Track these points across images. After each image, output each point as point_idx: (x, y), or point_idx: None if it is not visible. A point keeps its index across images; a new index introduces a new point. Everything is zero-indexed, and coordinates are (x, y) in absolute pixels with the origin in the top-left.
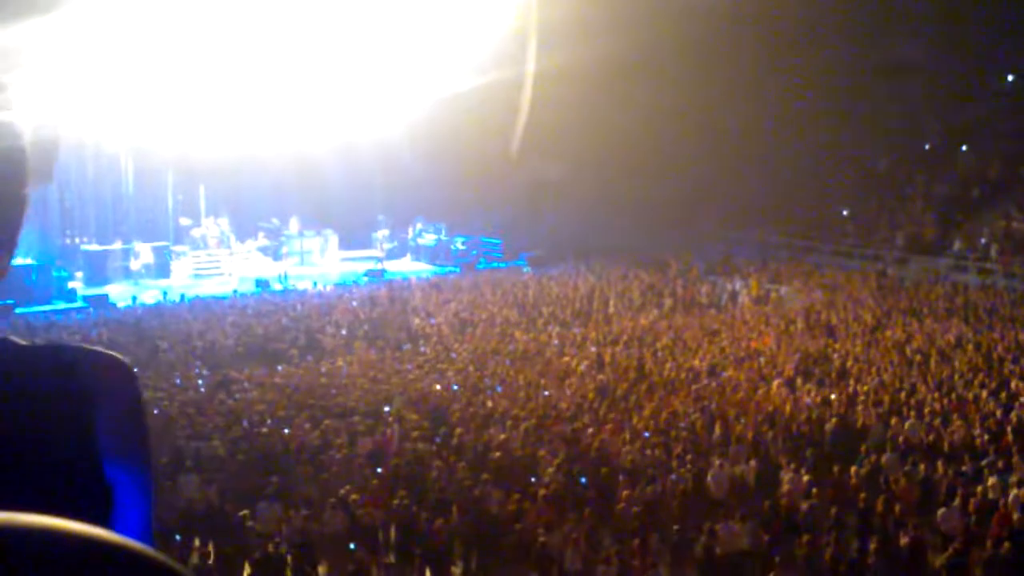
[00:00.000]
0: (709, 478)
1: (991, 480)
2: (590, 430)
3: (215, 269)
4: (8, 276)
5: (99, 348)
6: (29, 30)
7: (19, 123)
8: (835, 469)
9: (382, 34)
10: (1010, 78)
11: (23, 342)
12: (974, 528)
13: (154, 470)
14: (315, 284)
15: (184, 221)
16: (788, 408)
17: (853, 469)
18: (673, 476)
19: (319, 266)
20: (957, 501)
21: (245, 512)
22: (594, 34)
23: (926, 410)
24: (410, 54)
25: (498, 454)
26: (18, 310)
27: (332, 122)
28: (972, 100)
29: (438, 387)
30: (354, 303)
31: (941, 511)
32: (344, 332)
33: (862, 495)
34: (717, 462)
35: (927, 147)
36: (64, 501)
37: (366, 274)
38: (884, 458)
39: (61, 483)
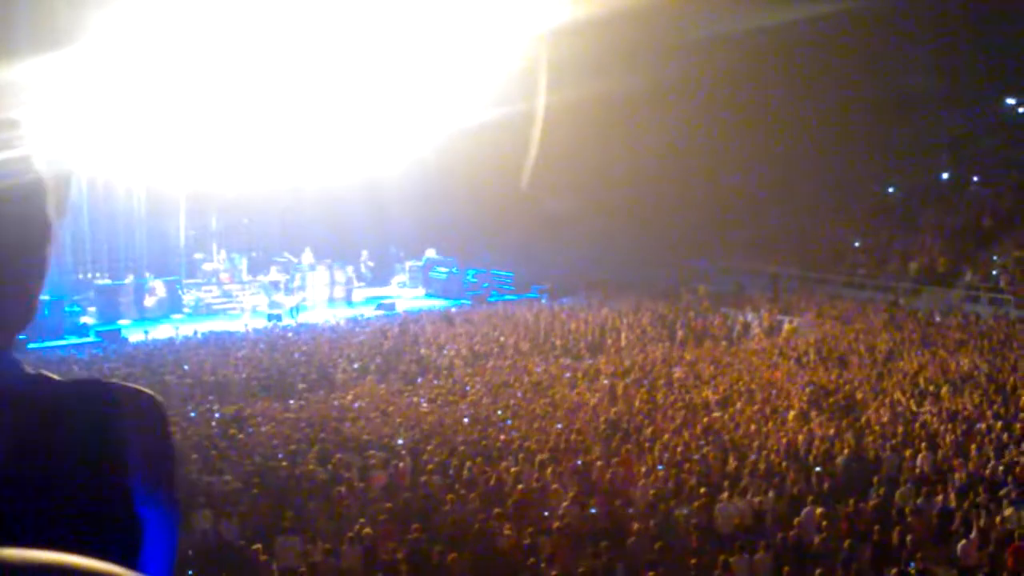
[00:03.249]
0: (716, 512)
1: (1008, 511)
2: (602, 463)
3: (227, 303)
4: (35, 314)
5: (129, 384)
6: (42, 65)
7: (35, 157)
8: (849, 501)
9: (395, 68)
10: (1010, 101)
11: (56, 377)
12: (991, 560)
13: (180, 504)
14: (327, 319)
15: (197, 255)
16: (801, 440)
17: (867, 502)
18: (686, 509)
19: (331, 299)
20: (974, 533)
21: (258, 547)
22: (606, 69)
23: (940, 441)
24: (422, 88)
25: (511, 487)
26: (30, 345)
27: (344, 156)
28: (983, 131)
29: (450, 420)
30: (361, 338)
31: (961, 543)
32: (356, 366)
33: (875, 527)
34: (724, 496)
35: (940, 178)
36: (98, 537)
37: (378, 307)
38: (898, 490)
39: (96, 519)
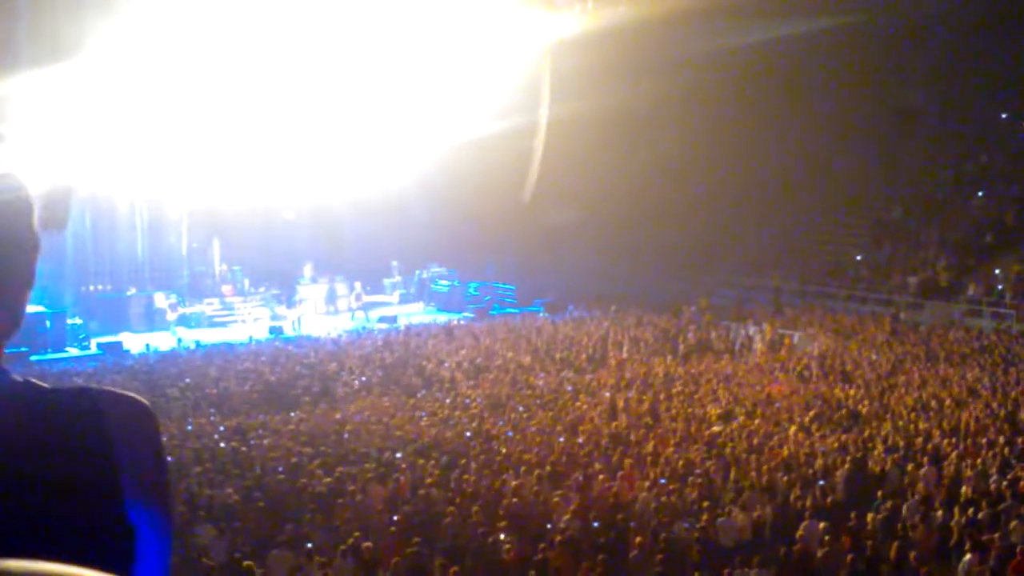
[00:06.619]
0: (718, 525)
1: (1012, 524)
2: (603, 476)
3: (229, 316)
4: (22, 323)
5: (118, 390)
6: (44, 79)
7: (21, 174)
8: (851, 516)
9: (397, 83)
10: (1013, 115)
11: (44, 385)
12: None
13: (173, 512)
14: (328, 332)
15: (199, 269)
16: (803, 454)
17: (869, 516)
18: (687, 523)
19: (332, 312)
20: (976, 548)
21: (250, 564)
22: (608, 83)
23: (942, 455)
24: (424, 102)
25: (512, 500)
26: (32, 357)
27: (346, 170)
28: (986, 146)
29: (452, 433)
30: (363, 351)
31: (966, 558)
32: (358, 380)
33: (871, 542)
34: (727, 509)
35: (942, 192)
36: (89, 543)
37: (380, 320)
38: (904, 505)
39: (86, 525)
